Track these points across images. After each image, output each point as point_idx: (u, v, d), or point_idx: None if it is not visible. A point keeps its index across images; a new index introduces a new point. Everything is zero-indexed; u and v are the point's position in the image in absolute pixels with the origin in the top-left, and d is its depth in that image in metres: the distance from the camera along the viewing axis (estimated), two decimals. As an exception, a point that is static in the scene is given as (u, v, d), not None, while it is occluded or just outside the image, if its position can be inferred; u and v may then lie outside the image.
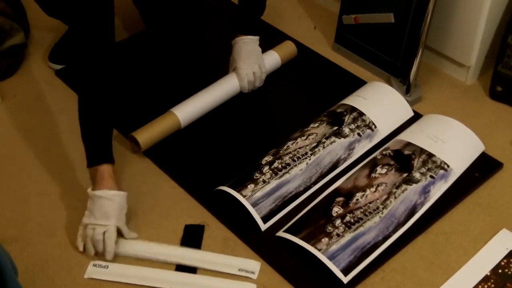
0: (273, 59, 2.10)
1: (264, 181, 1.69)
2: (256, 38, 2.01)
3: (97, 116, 1.65)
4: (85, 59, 1.66)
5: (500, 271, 1.54)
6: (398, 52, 2.07)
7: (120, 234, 1.61)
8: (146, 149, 1.85)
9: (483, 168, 1.79)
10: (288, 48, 2.16)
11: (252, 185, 1.68)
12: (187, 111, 1.91)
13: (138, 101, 2.04)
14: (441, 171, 1.72)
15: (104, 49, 1.66)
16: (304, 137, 1.81)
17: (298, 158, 1.75)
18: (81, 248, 1.60)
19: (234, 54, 2.00)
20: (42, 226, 1.69)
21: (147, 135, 1.84)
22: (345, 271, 1.51)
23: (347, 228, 1.57)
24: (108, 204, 1.58)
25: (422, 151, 1.75)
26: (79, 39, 1.67)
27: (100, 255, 1.58)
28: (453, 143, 1.79)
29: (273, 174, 1.71)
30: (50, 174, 1.83)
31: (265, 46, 2.08)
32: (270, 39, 2.22)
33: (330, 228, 1.57)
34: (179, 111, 1.90)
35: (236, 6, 2.06)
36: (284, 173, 1.71)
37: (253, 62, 1.99)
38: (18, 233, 1.67)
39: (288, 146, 1.79)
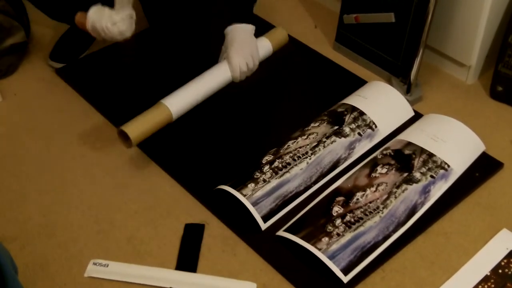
0: (265, 46, 2.01)
1: (264, 180, 1.69)
2: (252, 27, 1.94)
3: None
4: None
5: (500, 271, 1.54)
6: (398, 51, 2.07)
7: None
8: (137, 143, 1.79)
9: (483, 168, 1.79)
10: (279, 35, 2.08)
11: (253, 184, 1.67)
12: (178, 101, 1.84)
13: (141, 99, 2.04)
14: (442, 171, 1.72)
15: None
16: (305, 137, 1.81)
17: (299, 157, 1.75)
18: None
19: (227, 43, 1.92)
20: (42, 225, 1.69)
21: (137, 129, 1.77)
22: (345, 271, 1.50)
23: (347, 228, 1.57)
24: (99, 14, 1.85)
25: (422, 150, 1.75)
26: None
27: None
28: (453, 143, 1.79)
29: (274, 174, 1.71)
30: (50, 173, 1.83)
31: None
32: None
33: (330, 227, 1.57)
34: (169, 102, 1.83)
35: None
36: (284, 173, 1.71)
37: (246, 53, 1.91)
38: (18, 232, 1.67)
39: (288, 146, 1.78)
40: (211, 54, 2.19)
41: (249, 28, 1.94)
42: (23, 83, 2.14)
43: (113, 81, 2.13)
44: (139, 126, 1.77)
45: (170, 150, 1.87)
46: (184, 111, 1.87)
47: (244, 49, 1.91)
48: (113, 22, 1.84)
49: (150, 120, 1.79)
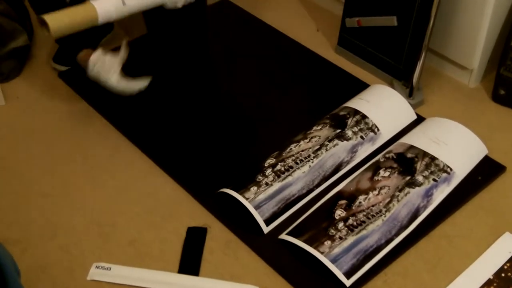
0: None
1: (266, 184, 1.69)
2: None
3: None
4: None
5: (503, 274, 1.54)
6: (401, 55, 2.07)
7: None
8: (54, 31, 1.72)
9: (486, 172, 1.78)
10: None
11: (255, 188, 1.67)
12: (107, 5, 1.75)
13: (142, 102, 2.04)
14: (444, 174, 1.71)
15: None
16: (307, 140, 1.81)
17: (301, 160, 1.75)
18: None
19: None
20: (44, 228, 1.69)
21: (57, 18, 1.70)
22: (348, 274, 1.50)
23: (349, 231, 1.57)
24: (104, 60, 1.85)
25: (425, 154, 1.75)
26: None
27: None
28: (456, 146, 1.79)
29: (276, 177, 1.71)
30: (53, 176, 1.83)
31: (270, 49, 2.07)
32: (273, 41, 2.23)
33: (332, 231, 1.57)
34: (98, 3, 1.74)
35: None
36: (286, 176, 1.71)
37: None
38: (20, 235, 1.67)
39: (291, 149, 1.78)
40: (209, 59, 2.20)
41: None
42: (25, 87, 2.14)
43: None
44: (61, 16, 1.71)
45: (173, 152, 1.87)
46: (111, 18, 1.79)
47: None
48: (108, 81, 1.87)
49: (73, 14, 1.73)
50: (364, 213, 1.61)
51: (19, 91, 2.12)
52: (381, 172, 1.72)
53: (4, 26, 2.12)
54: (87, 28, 1.74)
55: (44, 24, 1.69)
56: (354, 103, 1.93)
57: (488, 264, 1.57)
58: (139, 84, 1.88)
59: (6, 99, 2.08)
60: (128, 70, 1.89)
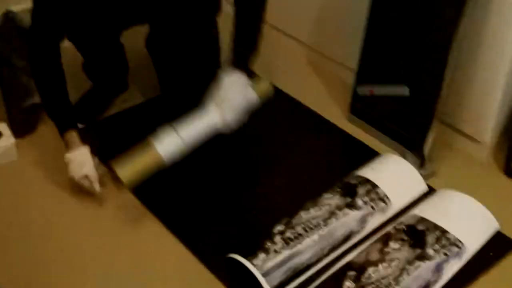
0: (251, 97, 1.93)
1: (275, 251, 1.68)
2: (245, 77, 1.88)
3: (54, 93, 1.96)
4: (37, 52, 1.94)
5: None
6: (412, 125, 2.08)
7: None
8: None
9: (498, 247, 1.77)
10: (264, 86, 2.00)
11: (263, 255, 1.66)
12: (170, 148, 1.81)
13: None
14: (455, 249, 1.70)
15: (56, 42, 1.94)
16: (317, 208, 1.80)
17: (311, 228, 1.74)
18: (98, 189, 1.91)
19: (219, 87, 1.86)
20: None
21: (130, 173, 1.78)
22: None
23: (358, 304, 1.56)
24: (83, 158, 1.92)
25: (435, 227, 1.74)
26: (35, 32, 1.93)
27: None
28: (467, 220, 1.78)
29: (285, 244, 1.70)
30: (61, 233, 1.82)
31: (282, 115, 2.09)
32: (286, 107, 2.25)
33: (341, 302, 1.56)
34: (162, 149, 1.80)
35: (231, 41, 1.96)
36: (296, 244, 1.70)
37: (237, 109, 1.86)
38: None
39: (300, 216, 1.78)
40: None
41: (242, 78, 1.88)
42: (41, 143, 2.16)
43: (128, 144, 2.15)
44: (132, 170, 1.80)
45: (182, 216, 1.88)
46: (175, 158, 1.83)
47: (233, 100, 1.86)
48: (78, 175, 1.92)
49: (143, 166, 1.81)
50: (374, 285, 1.60)
51: (34, 147, 2.14)
52: (391, 244, 1.71)
53: (24, 82, 2.15)
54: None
55: (117, 176, 1.80)
56: (365, 172, 1.93)
57: None
58: None
59: (20, 155, 2.09)
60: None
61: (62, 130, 1.95)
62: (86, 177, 1.90)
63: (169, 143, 1.82)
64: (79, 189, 1.92)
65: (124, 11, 1.92)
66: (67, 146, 1.93)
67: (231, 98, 1.86)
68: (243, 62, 1.93)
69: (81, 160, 1.91)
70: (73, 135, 1.94)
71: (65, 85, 1.97)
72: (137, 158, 1.80)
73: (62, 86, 1.96)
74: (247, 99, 1.89)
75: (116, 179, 1.84)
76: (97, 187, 1.92)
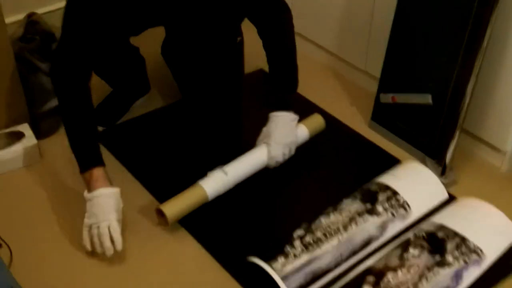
0: (302, 134, 2.08)
1: (295, 255, 1.68)
2: (294, 116, 1.99)
3: (82, 129, 1.80)
4: (64, 81, 1.81)
5: None
6: (434, 133, 2.08)
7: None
8: (172, 223, 1.84)
9: (517, 256, 1.77)
10: (317, 122, 2.15)
11: (283, 259, 1.67)
12: (216, 186, 1.89)
13: (171, 168, 2.07)
14: (475, 256, 1.70)
15: (85, 72, 1.83)
16: (337, 213, 1.80)
17: (330, 234, 1.74)
18: (89, 247, 1.69)
19: (270, 129, 1.97)
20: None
21: (174, 208, 1.82)
22: None
23: (377, 309, 1.55)
24: (107, 201, 1.70)
25: (455, 234, 1.74)
26: (63, 61, 1.82)
27: (105, 250, 1.67)
28: (487, 228, 1.78)
29: (304, 249, 1.70)
30: (77, 241, 1.84)
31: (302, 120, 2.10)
32: (307, 113, 2.25)
33: (359, 307, 1.56)
34: (207, 186, 1.88)
35: (268, 82, 2.05)
36: (315, 248, 1.71)
37: (286, 144, 1.96)
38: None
39: (320, 221, 1.78)
40: (241, 127, 2.22)
41: (292, 117, 1.99)
42: (62, 145, 2.15)
43: (150, 148, 2.16)
44: (177, 206, 1.83)
45: (202, 219, 1.88)
46: (220, 193, 1.91)
47: (285, 140, 1.97)
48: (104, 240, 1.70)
49: (188, 203, 1.85)
50: (392, 291, 1.60)
51: (55, 148, 2.15)
52: (411, 250, 1.70)
53: (46, 85, 2.18)
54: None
55: (161, 214, 1.80)
56: (386, 179, 1.93)
57: None
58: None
59: (43, 156, 2.11)
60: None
61: (87, 167, 1.75)
62: (108, 227, 1.68)
63: (217, 184, 1.89)
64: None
65: (142, 12, 1.91)
66: (89, 184, 1.73)
67: (280, 139, 1.95)
68: (289, 101, 2.01)
69: (108, 205, 1.71)
70: (99, 172, 1.75)
71: (94, 121, 1.85)
72: (184, 196, 1.85)
73: (91, 123, 1.83)
74: (296, 136, 2.01)
75: (159, 214, 1.84)
76: (118, 245, 1.68)
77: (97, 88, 2.29)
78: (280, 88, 2.02)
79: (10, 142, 2.07)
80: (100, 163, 1.78)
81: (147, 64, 2.35)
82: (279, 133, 1.96)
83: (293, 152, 2.00)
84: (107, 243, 1.67)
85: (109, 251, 1.67)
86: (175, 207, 1.83)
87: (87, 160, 1.77)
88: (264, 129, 2.00)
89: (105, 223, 1.67)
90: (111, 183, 1.75)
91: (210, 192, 1.88)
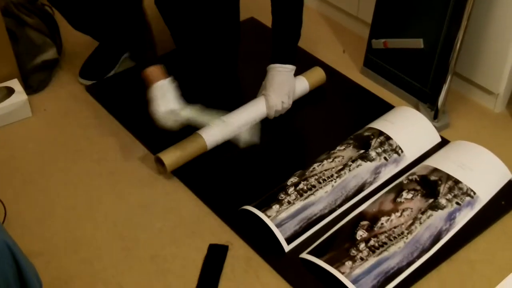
0: (302, 85, 2.09)
1: (289, 202, 1.69)
2: (291, 67, 1.99)
3: (137, 36, 1.93)
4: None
5: (525, 301, 1.53)
6: (426, 77, 2.07)
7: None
8: (171, 171, 1.86)
9: (509, 197, 1.77)
10: (318, 75, 2.16)
11: (277, 206, 1.68)
12: (214, 133, 1.90)
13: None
14: (467, 198, 1.71)
15: None
16: (330, 160, 1.81)
17: (324, 180, 1.75)
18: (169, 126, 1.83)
19: (267, 81, 1.99)
20: (68, 241, 1.70)
21: (173, 157, 1.84)
22: (368, 296, 1.50)
23: (371, 252, 1.57)
24: (166, 90, 1.83)
25: (448, 177, 1.75)
26: None
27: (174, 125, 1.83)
28: (480, 170, 1.78)
29: (298, 196, 1.71)
30: (77, 189, 1.85)
31: (296, 68, 2.08)
32: (299, 61, 2.23)
33: (354, 251, 1.57)
34: (206, 134, 1.89)
35: (272, 35, 2.04)
36: (309, 195, 1.71)
37: (283, 93, 1.98)
38: (43, 248, 1.68)
39: (314, 168, 1.79)
40: (236, 76, 2.21)
41: (290, 68, 1.99)
42: (53, 99, 2.17)
43: (141, 99, 2.15)
44: (176, 156, 1.85)
45: (197, 170, 1.88)
46: (219, 142, 1.92)
47: (283, 90, 1.98)
48: (160, 113, 1.82)
49: (187, 151, 1.87)
50: (386, 234, 1.61)
51: (46, 103, 2.15)
52: (404, 194, 1.71)
53: (35, 40, 2.16)
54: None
55: (160, 162, 1.84)
56: (379, 124, 1.93)
57: (510, 290, 1.56)
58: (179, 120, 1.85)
59: (34, 111, 2.10)
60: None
61: (143, 67, 1.88)
62: (171, 112, 1.82)
63: (215, 132, 1.90)
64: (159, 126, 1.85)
65: None
66: (148, 81, 1.87)
67: (277, 87, 1.97)
68: (289, 54, 2.00)
69: (165, 94, 1.83)
70: (154, 69, 1.87)
71: (146, 24, 2.00)
72: (183, 144, 1.88)
73: (144, 25, 1.99)
74: (294, 86, 2.03)
75: (158, 162, 1.87)
76: (181, 118, 1.84)
77: (88, 41, 2.28)
78: (281, 40, 2.01)
79: (0, 98, 2.05)
80: (156, 63, 1.88)
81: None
82: (276, 83, 1.97)
83: (291, 101, 2.01)
84: (174, 126, 1.83)
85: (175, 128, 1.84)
86: (174, 155, 1.84)
87: (145, 62, 1.88)
88: (263, 82, 2.02)
89: (167, 107, 1.81)
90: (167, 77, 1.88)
91: (209, 141, 1.89)
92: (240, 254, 1.66)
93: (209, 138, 1.89)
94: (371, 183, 1.79)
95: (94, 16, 2.07)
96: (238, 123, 1.94)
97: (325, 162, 1.80)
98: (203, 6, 2.11)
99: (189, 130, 1.89)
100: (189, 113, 1.83)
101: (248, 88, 2.09)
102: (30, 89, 2.16)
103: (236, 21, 2.22)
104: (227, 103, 2.01)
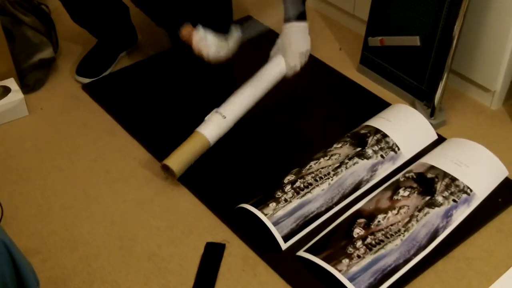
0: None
1: (286, 200, 1.69)
2: (306, 24, 1.98)
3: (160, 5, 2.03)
4: None
5: (522, 298, 1.53)
6: (423, 75, 2.07)
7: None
8: (179, 175, 1.85)
9: (506, 194, 1.78)
10: None
11: (274, 204, 1.68)
12: (214, 129, 1.88)
13: (165, 116, 2.06)
14: (464, 195, 1.71)
15: None
16: (327, 157, 1.81)
17: (321, 178, 1.75)
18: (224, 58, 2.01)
19: (284, 42, 1.97)
20: (65, 239, 1.70)
21: (180, 161, 1.82)
22: (365, 293, 1.50)
23: (368, 250, 1.57)
24: (205, 36, 1.97)
25: (445, 174, 1.75)
26: None
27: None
28: (476, 167, 1.79)
29: (295, 194, 1.71)
30: (74, 188, 1.85)
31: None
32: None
33: (351, 249, 1.57)
34: (206, 131, 1.87)
35: None
36: (306, 193, 1.72)
37: (302, 53, 1.98)
38: (41, 246, 1.68)
39: (310, 166, 1.79)
40: (232, 72, 2.21)
41: (304, 26, 1.99)
42: (49, 98, 2.17)
43: (138, 98, 2.16)
44: (182, 158, 1.83)
45: (194, 168, 1.88)
46: (220, 136, 1.91)
47: (301, 49, 1.98)
48: (216, 51, 1.98)
49: (190, 150, 1.85)
50: (383, 232, 1.61)
51: (43, 102, 2.15)
52: (401, 191, 1.72)
53: (31, 38, 2.16)
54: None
55: (167, 169, 1.82)
56: (375, 122, 1.93)
57: (507, 286, 1.56)
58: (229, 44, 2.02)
59: (30, 110, 2.10)
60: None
61: (177, 30, 2.00)
62: (221, 48, 1.98)
63: (216, 129, 1.89)
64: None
65: None
66: (188, 38, 1.98)
67: (295, 47, 1.97)
68: (302, 11, 1.98)
69: (207, 39, 1.96)
70: (187, 29, 1.99)
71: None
72: (186, 146, 1.85)
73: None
74: (310, 44, 2.02)
75: (164, 169, 1.85)
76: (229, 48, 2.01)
77: (85, 40, 2.28)
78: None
79: (-4, 97, 2.06)
80: (184, 23, 2.00)
81: (135, 15, 2.33)
82: (294, 43, 1.97)
83: (307, 59, 2.02)
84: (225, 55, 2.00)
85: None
86: (180, 159, 1.83)
87: (175, 25, 2.01)
88: (279, 41, 2.00)
89: (216, 47, 1.97)
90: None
91: (211, 138, 1.87)
92: (237, 252, 1.66)
93: (211, 135, 1.87)
94: (367, 181, 1.79)
95: None
96: (246, 104, 1.95)
97: (321, 160, 1.80)
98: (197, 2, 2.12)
99: (187, 129, 1.89)
100: (232, 40, 2.01)
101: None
102: (27, 88, 2.16)
103: (229, 16, 2.23)
104: (224, 100, 2.01)
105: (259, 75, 1.98)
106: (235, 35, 2.03)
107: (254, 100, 1.95)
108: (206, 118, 1.91)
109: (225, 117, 1.89)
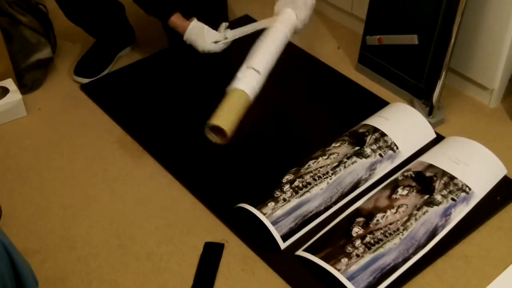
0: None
1: (284, 200, 1.69)
2: None
3: None
4: None
5: (520, 296, 1.53)
6: (421, 74, 2.07)
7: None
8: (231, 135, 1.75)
9: (505, 192, 1.78)
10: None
11: (273, 203, 1.68)
12: (252, 84, 1.79)
13: (163, 115, 2.06)
14: (463, 194, 1.71)
15: None
16: (326, 157, 1.81)
17: (319, 177, 1.75)
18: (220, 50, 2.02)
19: None
20: (64, 239, 1.70)
21: (229, 119, 1.72)
22: (364, 292, 1.50)
23: (367, 249, 1.57)
24: (201, 26, 2.00)
25: (444, 173, 1.75)
26: None
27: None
28: (475, 166, 1.78)
29: (294, 193, 1.71)
30: (73, 188, 1.84)
31: (290, 66, 2.09)
32: (293, 58, 2.23)
33: (350, 248, 1.57)
34: (246, 86, 1.78)
35: None
36: (304, 192, 1.71)
37: (308, 6, 1.94)
38: (39, 245, 1.68)
39: (309, 165, 1.79)
40: (230, 71, 2.21)
41: None
42: (48, 98, 2.17)
43: (136, 98, 2.15)
44: (230, 115, 1.74)
45: (192, 167, 1.88)
46: (256, 90, 1.82)
47: (309, 1, 1.95)
48: (207, 46, 2.00)
49: (235, 108, 1.75)
50: (382, 231, 1.61)
51: (41, 102, 2.15)
52: (400, 190, 1.72)
53: (29, 38, 2.15)
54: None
55: (215, 130, 1.72)
56: (374, 121, 1.93)
57: (506, 285, 1.56)
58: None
59: (29, 110, 2.10)
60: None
61: (167, 18, 2.02)
62: (217, 40, 1.99)
63: (255, 85, 1.80)
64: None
65: None
66: (180, 28, 2.01)
67: (307, 3, 1.93)
68: None
69: (202, 30, 1.99)
70: (177, 17, 2.01)
71: None
72: (230, 105, 1.75)
73: None
74: None
75: (213, 132, 1.75)
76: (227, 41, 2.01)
77: (83, 40, 2.28)
78: None
79: (-5, 98, 2.06)
80: (175, 11, 2.02)
81: (133, 15, 2.32)
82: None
83: (312, 12, 1.99)
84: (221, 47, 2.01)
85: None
86: (228, 116, 1.73)
87: (165, 13, 2.03)
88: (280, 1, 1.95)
89: (212, 39, 1.99)
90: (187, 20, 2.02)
91: (251, 94, 1.78)
92: (236, 251, 1.66)
93: (250, 90, 1.78)
94: (366, 180, 1.79)
95: None
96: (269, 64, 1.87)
97: (320, 159, 1.80)
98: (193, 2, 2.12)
99: (186, 128, 1.88)
100: (231, 34, 2.00)
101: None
102: (25, 88, 2.16)
103: (225, 15, 2.23)
104: (220, 98, 2.00)
105: (273, 29, 1.90)
106: (227, 28, 2.02)
107: (278, 53, 1.88)
108: (240, 75, 1.81)
109: (259, 72, 1.81)
